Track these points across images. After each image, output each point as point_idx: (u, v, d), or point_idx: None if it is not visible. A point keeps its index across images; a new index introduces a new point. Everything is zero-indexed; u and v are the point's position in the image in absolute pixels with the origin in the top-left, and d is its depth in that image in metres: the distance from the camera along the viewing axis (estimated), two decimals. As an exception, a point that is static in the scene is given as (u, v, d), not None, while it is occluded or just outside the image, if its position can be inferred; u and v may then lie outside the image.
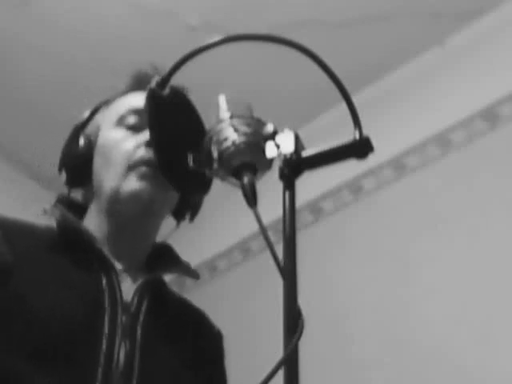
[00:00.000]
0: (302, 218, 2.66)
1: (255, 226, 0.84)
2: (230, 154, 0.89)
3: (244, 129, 0.90)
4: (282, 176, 0.84)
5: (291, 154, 0.85)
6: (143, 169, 1.14)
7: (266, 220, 0.85)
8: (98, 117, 1.26)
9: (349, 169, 2.36)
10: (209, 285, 2.91)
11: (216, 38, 0.90)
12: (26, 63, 2.67)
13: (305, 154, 0.86)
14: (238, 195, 0.88)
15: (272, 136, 0.89)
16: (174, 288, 1.29)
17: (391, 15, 2.45)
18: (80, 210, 1.21)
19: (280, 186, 0.84)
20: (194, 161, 0.95)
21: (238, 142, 0.89)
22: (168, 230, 1.26)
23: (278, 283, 0.80)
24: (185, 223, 1.28)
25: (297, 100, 2.67)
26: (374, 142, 0.87)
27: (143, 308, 1.11)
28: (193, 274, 1.24)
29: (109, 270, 1.11)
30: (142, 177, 1.13)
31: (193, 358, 1.18)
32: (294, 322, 0.76)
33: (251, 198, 0.86)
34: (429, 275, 2.33)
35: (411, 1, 2.44)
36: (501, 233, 2.24)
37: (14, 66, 2.69)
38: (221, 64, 2.21)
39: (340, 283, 2.55)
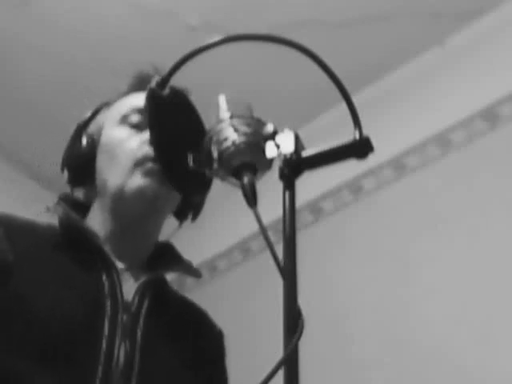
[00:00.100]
0: (302, 218, 2.66)
1: (255, 226, 0.84)
2: (230, 154, 0.89)
3: (244, 129, 0.90)
4: (282, 176, 0.84)
5: (291, 154, 0.85)
6: (149, 165, 1.14)
7: (265, 220, 0.85)
8: (101, 116, 1.26)
9: (349, 169, 2.36)
10: (209, 285, 2.91)
11: (216, 38, 0.90)
12: (26, 63, 2.67)
13: (305, 153, 0.86)
14: (238, 195, 0.88)
15: (272, 136, 0.89)
16: (175, 287, 1.29)
17: (391, 15, 2.45)
18: (82, 208, 1.21)
19: (280, 186, 0.84)
20: (194, 161, 0.95)
21: (238, 141, 0.89)
22: (170, 230, 1.26)
23: (278, 283, 0.80)
24: (185, 223, 1.28)
25: (297, 100, 2.67)
26: (374, 142, 0.87)
27: (144, 307, 1.11)
28: (194, 272, 1.24)
29: (110, 268, 1.11)
30: (148, 173, 1.14)
31: (193, 358, 1.18)
32: (294, 322, 0.76)
33: (251, 198, 0.86)
34: (429, 275, 2.33)
35: (411, 1, 2.44)
36: (501, 233, 2.24)
37: (14, 66, 2.69)
38: (221, 64, 2.21)
39: (340, 283, 2.55)
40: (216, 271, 2.97)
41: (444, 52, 2.55)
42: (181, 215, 1.27)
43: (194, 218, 1.27)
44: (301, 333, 0.75)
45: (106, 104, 1.27)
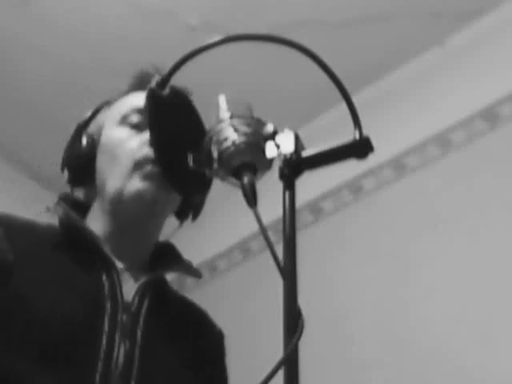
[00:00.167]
0: (302, 218, 2.66)
1: (255, 226, 0.84)
2: (230, 154, 0.89)
3: (244, 129, 0.90)
4: (282, 176, 0.84)
5: (291, 154, 0.85)
6: (148, 168, 1.13)
7: (265, 220, 0.85)
8: (101, 116, 1.26)
9: (349, 169, 2.36)
10: (209, 285, 2.91)
11: (216, 38, 0.90)
12: (26, 63, 2.67)
13: (305, 154, 0.86)
14: (238, 195, 0.88)
15: (272, 136, 0.89)
16: (175, 287, 1.29)
17: (391, 15, 2.45)
18: (82, 208, 1.21)
19: (280, 186, 0.84)
20: (194, 161, 0.95)
21: (238, 141, 0.89)
22: (170, 229, 1.26)
23: (278, 283, 0.80)
24: (185, 223, 1.28)
25: (297, 100, 2.67)
26: (374, 142, 0.87)
27: (144, 307, 1.11)
28: (195, 272, 1.24)
29: (110, 269, 1.11)
30: (146, 176, 1.13)
31: (193, 358, 1.18)
32: (294, 322, 0.76)
33: (251, 198, 0.86)
34: (429, 275, 2.33)
35: (411, 1, 2.44)
36: (501, 233, 2.24)
37: (14, 66, 2.69)
38: (221, 64, 2.21)
39: (340, 283, 2.55)
40: (216, 271, 2.97)
41: (444, 52, 2.55)
42: (181, 215, 1.27)
43: (195, 217, 1.27)
44: (301, 333, 0.75)
45: (107, 103, 1.27)
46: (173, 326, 1.18)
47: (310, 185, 1.13)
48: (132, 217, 1.16)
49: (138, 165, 1.14)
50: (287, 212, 0.83)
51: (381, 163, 2.57)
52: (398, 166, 2.57)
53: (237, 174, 0.89)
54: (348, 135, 0.87)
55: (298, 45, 0.89)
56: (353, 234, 2.61)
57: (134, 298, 1.11)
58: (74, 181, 1.22)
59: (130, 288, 1.12)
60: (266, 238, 0.82)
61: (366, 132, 0.87)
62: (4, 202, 2.49)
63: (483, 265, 2.22)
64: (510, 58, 2.42)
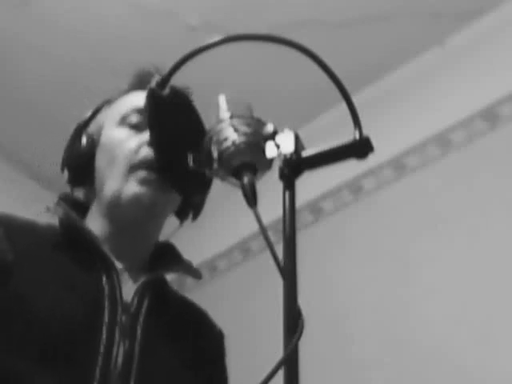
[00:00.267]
0: (302, 218, 2.66)
1: (255, 226, 0.84)
2: (230, 154, 0.89)
3: (244, 129, 0.90)
4: (282, 176, 0.84)
5: (291, 154, 0.85)
6: (142, 173, 1.13)
7: (265, 220, 0.84)
8: (101, 116, 1.26)
9: (349, 169, 2.36)
10: (209, 285, 2.91)
11: (216, 38, 0.90)
12: (26, 63, 2.67)
13: (305, 153, 0.86)
14: (238, 195, 0.88)
15: (272, 136, 0.89)
16: (175, 287, 1.29)
17: (391, 15, 2.45)
18: (82, 208, 1.21)
19: (280, 186, 0.84)
20: (194, 161, 0.95)
21: (238, 141, 0.89)
22: (170, 229, 1.26)
23: (278, 283, 0.80)
24: (185, 223, 1.28)
25: (297, 100, 2.67)
26: (374, 142, 0.87)
27: (143, 308, 1.11)
28: (195, 273, 1.24)
29: (110, 269, 1.11)
30: (142, 182, 1.13)
31: (193, 358, 1.18)
32: (294, 322, 0.76)
33: (251, 198, 0.86)
34: (429, 275, 2.33)
35: (411, 1, 2.44)
36: (501, 233, 2.24)
37: (14, 66, 2.69)
38: (221, 64, 2.21)
39: (340, 283, 2.55)
40: (216, 271, 2.97)
41: (444, 52, 2.55)
42: (181, 215, 1.27)
43: (195, 217, 1.27)
44: (301, 333, 0.75)
45: (107, 102, 1.27)
46: (173, 325, 1.18)
47: (310, 185, 1.13)
48: (130, 220, 1.16)
49: (133, 168, 1.14)
50: (287, 212, 0.83)
51: (381, 163, 2.57)
52: (398, 165, 2.57)
53: (237, 174, 0.89)
54: (348, 135, 0.87)
55: (298, 45, 0.89)
56: (353, 234, 2.61)
57: (133, 298, 1.11)
58: (74, 181, 1.22)
59: (129, 288, 1.12)
60: (266, 238, 0.82)
61: (366, 132, 0.87)
62: (4, 201, 2.49)
63: (483, 265, 2.22)
64: (510, 57, 2.42)
